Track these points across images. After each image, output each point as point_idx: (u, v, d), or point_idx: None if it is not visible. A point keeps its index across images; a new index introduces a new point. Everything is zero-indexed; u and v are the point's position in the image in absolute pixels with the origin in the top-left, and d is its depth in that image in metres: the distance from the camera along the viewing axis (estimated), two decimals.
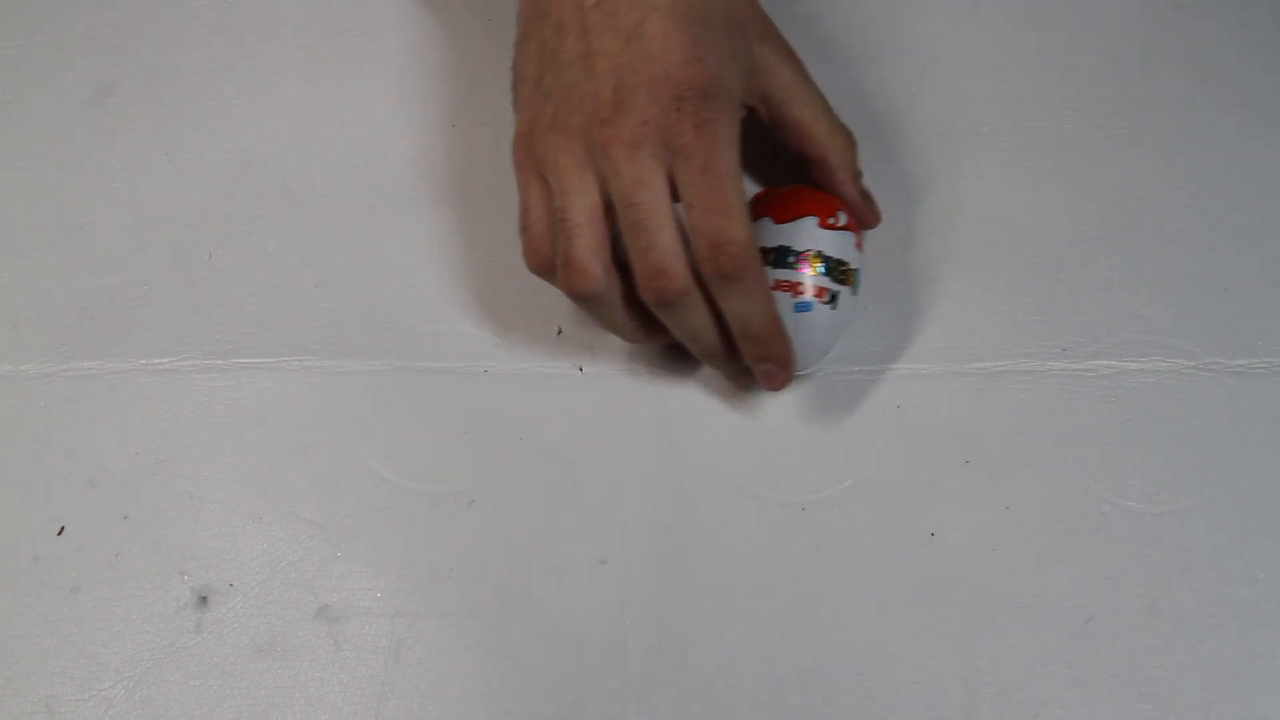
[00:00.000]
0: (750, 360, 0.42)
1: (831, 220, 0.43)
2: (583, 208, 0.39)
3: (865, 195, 0.45)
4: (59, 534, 0.44)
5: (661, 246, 0.39)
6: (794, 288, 0.42)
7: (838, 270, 0.42)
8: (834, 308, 0.42)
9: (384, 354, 0.46)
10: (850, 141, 0.44)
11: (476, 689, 0.42)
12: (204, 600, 0.43)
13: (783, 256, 0.42)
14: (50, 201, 0.49)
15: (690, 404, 0.45)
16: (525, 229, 0.41)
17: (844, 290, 0.42)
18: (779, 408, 0.45)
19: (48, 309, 0.47)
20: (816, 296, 0.42)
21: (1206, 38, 0.51)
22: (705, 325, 0.41)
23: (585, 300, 0.40)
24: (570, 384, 0.46)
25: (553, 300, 0.47)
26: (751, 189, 0.45)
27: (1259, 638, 0.42)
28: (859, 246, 0.43)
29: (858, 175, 0.44)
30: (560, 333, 0.47)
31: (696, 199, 0.38)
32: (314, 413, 0.46)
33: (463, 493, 0.45)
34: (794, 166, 0.45)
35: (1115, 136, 0.49)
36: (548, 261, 0.41)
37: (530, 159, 0.41)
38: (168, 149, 0.50)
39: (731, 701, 0.42)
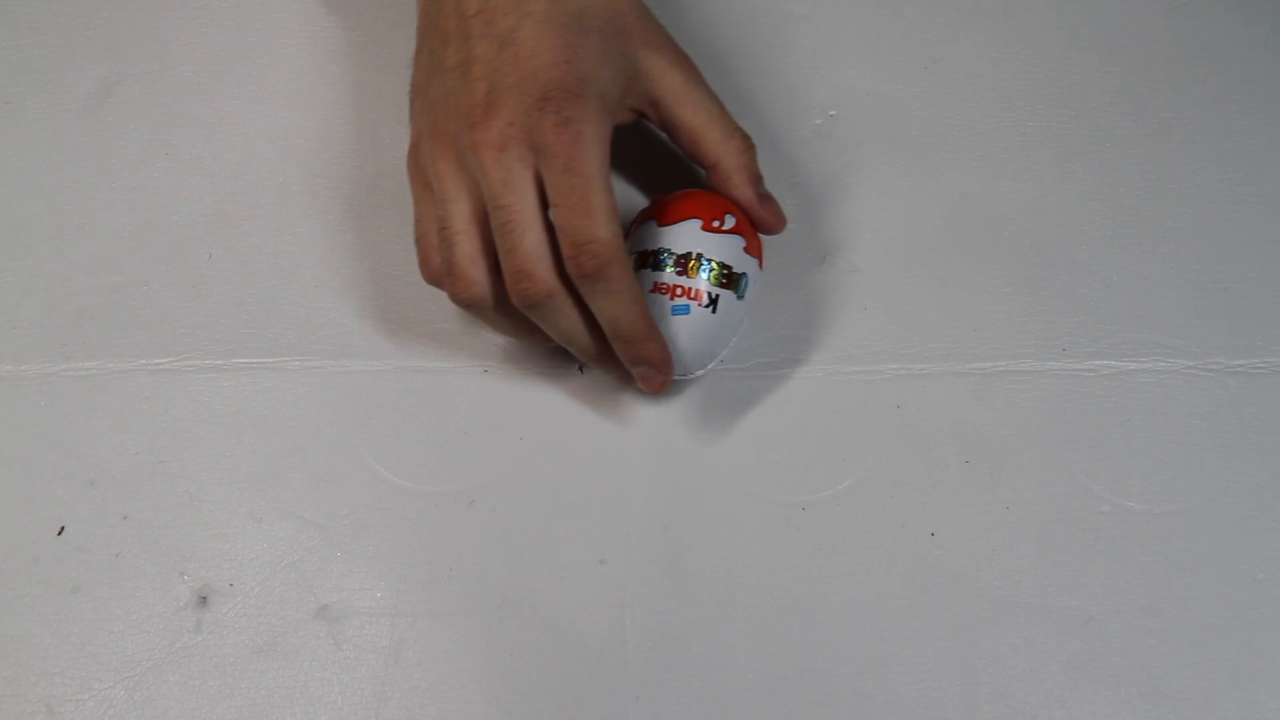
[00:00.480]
0: (626, 362, 0.41)
1: (716, 223, 0.42)
2: (461, 214, 0.39)
3: (764, 199, 0.44)
4: (59, 534, 0.44)
5: (525, 248, 0.39)
6: (671, 290, 0.42)
7: (720, 274, 0.42)
8: (714, 311, 0.42)
9: (384, 354, 0.46)
10: (745, 145, 0.43)
11: (476, 689, 0.42)
12: (204, 600, 0.43)
13: (662, 259, 0.42)
14: (50, 201, 0.49)
15: (690, 404, 0.45)
16: (417, 240, 0.41)
17: (726, 294, 0.42)
18: (778, 408, 0.45)
19: (48, 309, 0.47)
20: (694, 300, 0.41)
21: (1207, 38, 0.51)
22: (575, 327, 0.40)
23: (469, 307, 0.40)
24: (570, 384, 0.46)
25: None
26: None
27: (1259, 638, 0.42)
28: (752, 251, 0.43)
29: (755, 179, 0.44)
30: None
31: (559, 199, 0.38)
32: (314, 413, 0.46)
33: (463, 493, 0.45)
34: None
35: (1115, 136, 0.49)
36: (438, 271, 0.41)
37: (418, 169, 0.41)
38: (168, 149, 0.50)
39: (731, 701, 0.42)
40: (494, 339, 0.46)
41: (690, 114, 0.43)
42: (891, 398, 0.46)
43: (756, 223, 0.44)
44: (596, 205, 0.38)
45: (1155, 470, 0.44)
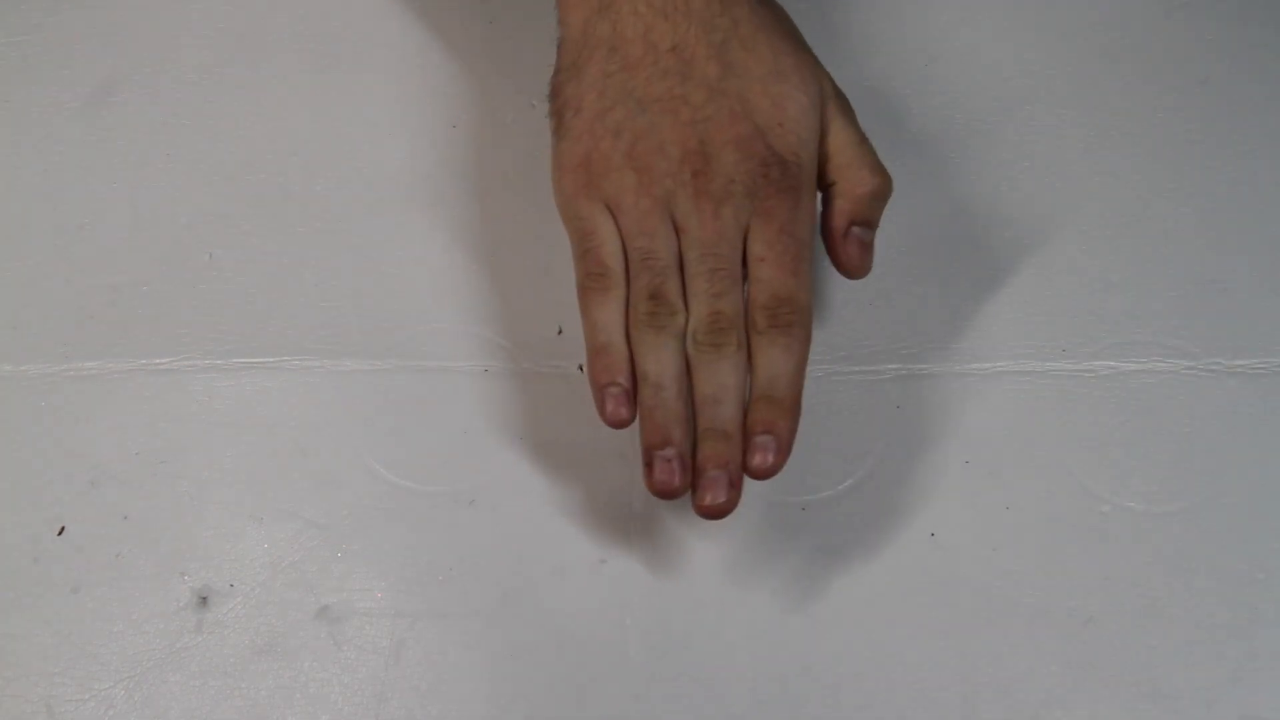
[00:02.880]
0: (754, 429, 0.39)
1: None
2: (669, 250, 0.40)
3: (850, 238, 0.41)
4: (59, 534, 0.44)
5: (734, 297, 0.40)
6: None
7: None
8: None
9: (384, 354, 0.46)
10: (870, 180, 0.41)
11: (476, 689, 0.42)
12: (204, 600, 0.43)
13: None
14: (50, 201, 0.49)
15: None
16: (589, 252, 0.41)
17: None
18: None
19: (48, 309, 0.47)
20: None
21: (1206, 38, 0.51)
22: (736, 380, 0.39)
23: (656, 330, 0.40)
24: (570, 384, 0.46)
25: (553, 300, 0.47)
26: None
27: (1259, 638, 0.42)
28: None
29: (857, 216, 0.41)
30: (560, 333, 0.47)
31: (770, 254, 0.39)
32: (314, 413, 0.46)
33: (463, 493, 0.45)
34: None
35: (1115, 137, 0.49)
36: (613, 286, 0.40)
37: (593, 189, 0.41)
38: (168, 149, 0.50)
39: (731, 701, 0.42)
40: (494, 338, 0.46)
41: (834, 151, 0.42)
42: (891, 398, 0.46)
43: (833, 258, 0.42)
44: (805, 270, 0.40)
45: (1155, 470, 0.44)
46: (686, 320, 0.40)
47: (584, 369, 0.46)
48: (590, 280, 0.41)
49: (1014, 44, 0.51)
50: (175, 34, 0.52)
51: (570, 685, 0.42)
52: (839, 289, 0.47)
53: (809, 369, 0.46)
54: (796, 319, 0.39)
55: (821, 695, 0.42)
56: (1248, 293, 0.47)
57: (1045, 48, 0.51)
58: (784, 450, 0.39)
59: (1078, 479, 0.44)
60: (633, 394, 0.40)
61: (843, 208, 0.42)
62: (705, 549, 0.44)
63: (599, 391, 0.40)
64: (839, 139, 0.42)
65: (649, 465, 0.39)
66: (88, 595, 0.43)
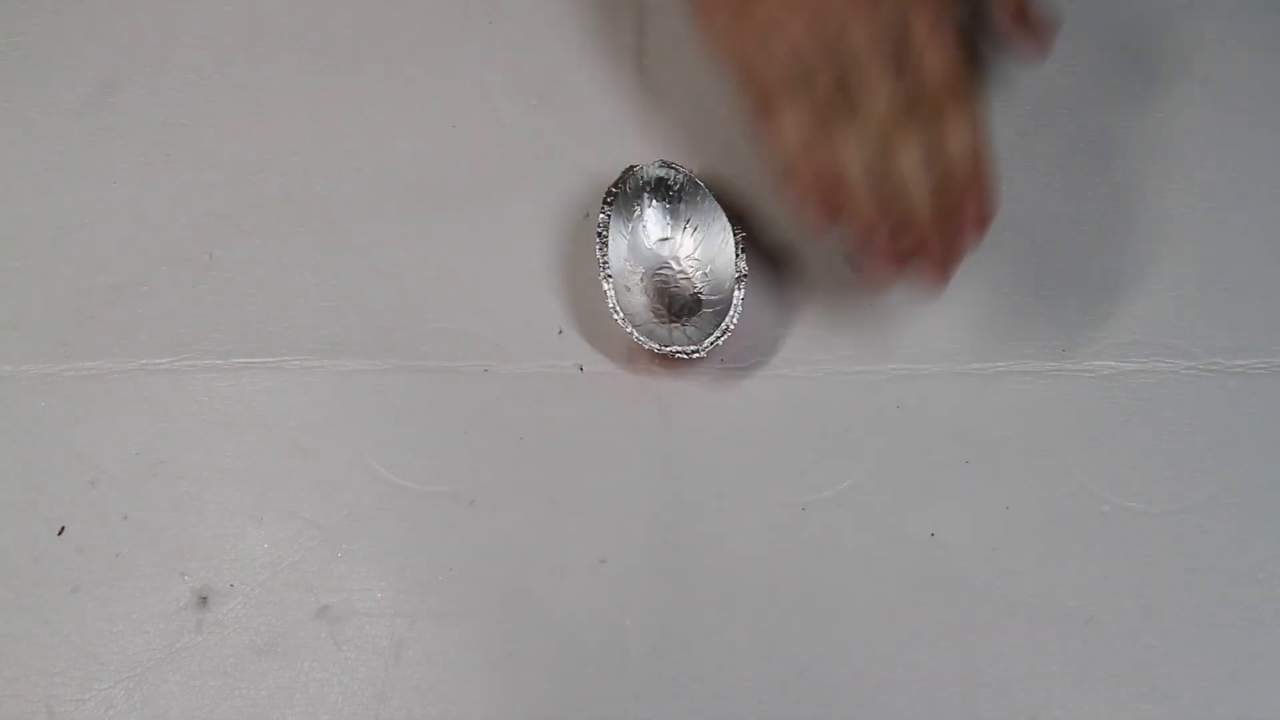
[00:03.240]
0: (956, 201, 0.41)
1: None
2: (836, 55, 0.41)
3: (1031, 27, 0.44)
4: (59, 534, 0.44)
5: (906, 86, 0.41)
6: None
7: None
8: None
9: (384, 354, 0.46)
10: None
11: (476, 689, 0.42)
12: (204, 600, 0.43)
13: None
14: (50, 201, 0.49)
15: (690, 404, 0.45)
16: (757, 75, 0.42)
17: None
18: (778, 408, 0.45)
19: (48, 309, 0.47)
20: None
21: (1206, 38, 0.51)
22: (928, 162, 0.41)
23: (845, 129, 0.41)
24: (570, 384, 0.46)
25: (553, 300, 0.47)
26: None
27: (1259, 638, 0.42)
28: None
29: (1024, 7, 0.44)
30: (560, 333, 0.47)
31: (933, 39, 0.41)
32: (314, 413, 0.46)
33: (463, 493, 0.45)
34: None
35: (1115, 136, 0.49)
36: (790, 99, 0.41)
37: (745, 17, 0.42)
38: (168, 149, 0.50)
39: (731, 701, 0.42)
40: (494, 338, 0.46)
41: None
42: (891, 398, 0.46)
43: (1013, 50, 0.45)
44: (964, 53, 0.41)
45: (1155, 470, 0.44)
46: (866, 116, 0.41)
47: (583, 369, 0.46)
48: (765, 102, 0.42)
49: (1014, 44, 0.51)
50: (175, 34, 0.52)
51: (570, 685, 0.42)
52: (841, 290, 0.47)
53: (809, 368, 0.46)
54: (969, 95, 0.41)
55: (821, 695, 0.42)
56: (1248, 293, 0.47)
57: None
58: (990, 208, 0.41)
59: (1078, 479, 0.44)
60: (835, 194, 0.41)
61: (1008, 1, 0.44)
62: (705, 548, 0.44)
63: (803, 198, 0.41)
64: None
65: (858, 260, 0.41)
66: (88, 595, 0.43)
